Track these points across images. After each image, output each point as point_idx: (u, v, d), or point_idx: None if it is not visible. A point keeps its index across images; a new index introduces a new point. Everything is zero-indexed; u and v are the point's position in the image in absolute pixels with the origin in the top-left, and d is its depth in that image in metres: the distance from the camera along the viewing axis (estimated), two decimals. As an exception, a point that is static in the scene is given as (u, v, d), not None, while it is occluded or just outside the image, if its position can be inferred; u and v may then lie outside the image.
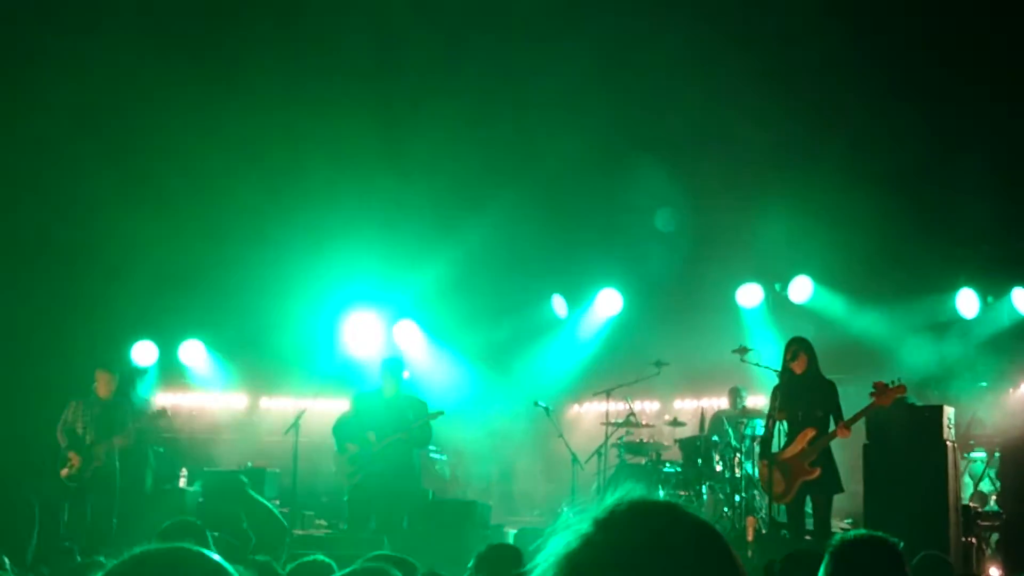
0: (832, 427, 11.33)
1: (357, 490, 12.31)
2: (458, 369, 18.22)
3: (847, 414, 11.41)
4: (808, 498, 11.63)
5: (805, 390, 11.42)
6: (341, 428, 12.63)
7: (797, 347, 11.51)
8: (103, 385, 13.66)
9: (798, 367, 11.46)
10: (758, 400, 15.43)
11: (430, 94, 16.27)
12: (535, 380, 17.90)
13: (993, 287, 15.49)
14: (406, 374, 12.85)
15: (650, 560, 1.88)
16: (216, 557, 2.14)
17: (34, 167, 16.05)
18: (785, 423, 11.62)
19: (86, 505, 13.04)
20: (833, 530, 11.61)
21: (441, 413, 12.55)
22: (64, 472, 13.22)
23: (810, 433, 11.29)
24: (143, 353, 17.63)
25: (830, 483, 11.33)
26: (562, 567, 1.91)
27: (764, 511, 13.28)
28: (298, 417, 13.11)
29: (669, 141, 15.92)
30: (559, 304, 17.93)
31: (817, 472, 11.21)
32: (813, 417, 11.35)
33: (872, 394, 11.25)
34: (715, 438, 14.59)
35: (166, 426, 15.59)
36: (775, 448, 11.70)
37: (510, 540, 13.84)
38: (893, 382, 11.21)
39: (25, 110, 15.39)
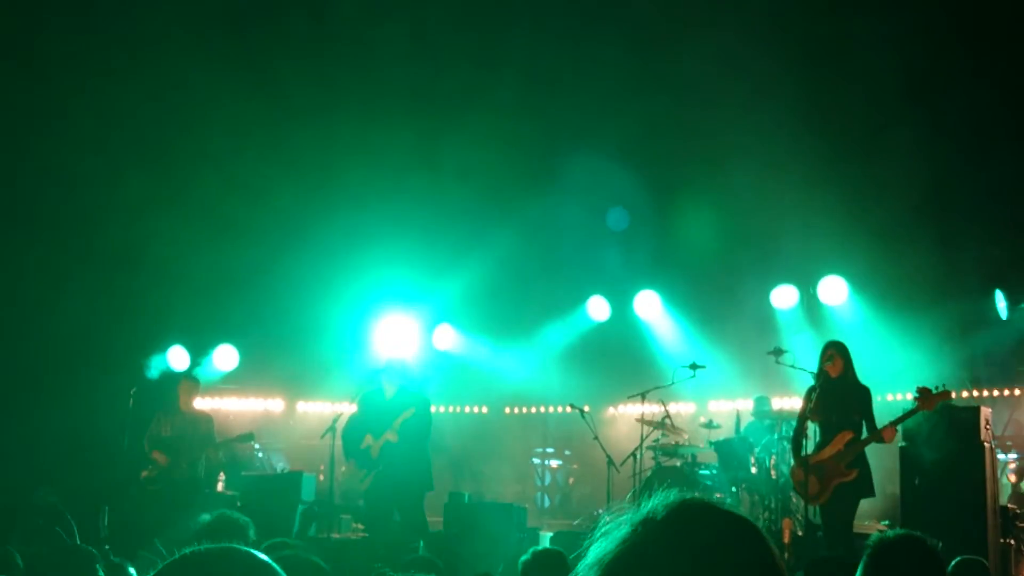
0: (865, 432, 11.28)
1: (369, 493, 12.38)
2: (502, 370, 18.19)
3: (880, 418, 11.38)
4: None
5: (840, 394, 11.33)
6: (347, 431, 12.68)
7: (833, 351, 11.42)
8: (185, 394, 13.88)
9: (833, 370, 11.36)
10: (794, 402, 15.38)
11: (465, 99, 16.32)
12: (572, 382, 17.90)
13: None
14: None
15: (691, 559, 1.89)
16: (264, 557, 2.17)
17: (74, 172, 16.18)
18: (819, 425, 11.55)
19: (162, 508, 13.11)
20: (868, 532, 11.57)
21: (411, 411, 12.40)
22: (145, 474, 13.39)
23: (848, 436, 11.21)
24: (177, 358, 17.75)
25: (864, 486, 11.27)
26: (604, 570, 1.92)
27: (800, 513, 13.24)
28: (335, 420, 13.15)
29: (705, 145, 15.89)
30: (596, 306, 17.93)
31: (854, 474, 11.13)
32: (849, 420, 11.25)
33: (917, 399, 11.19)
34: (750, 440, 14.56)
35: (244, 448, 15.81)
36: (806, 451, 11.65)
37: (546, 543, 13.88)
38: (937, 387, 11.13)
39: (67, 117, 15.56)
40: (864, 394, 11.40)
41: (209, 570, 2.10)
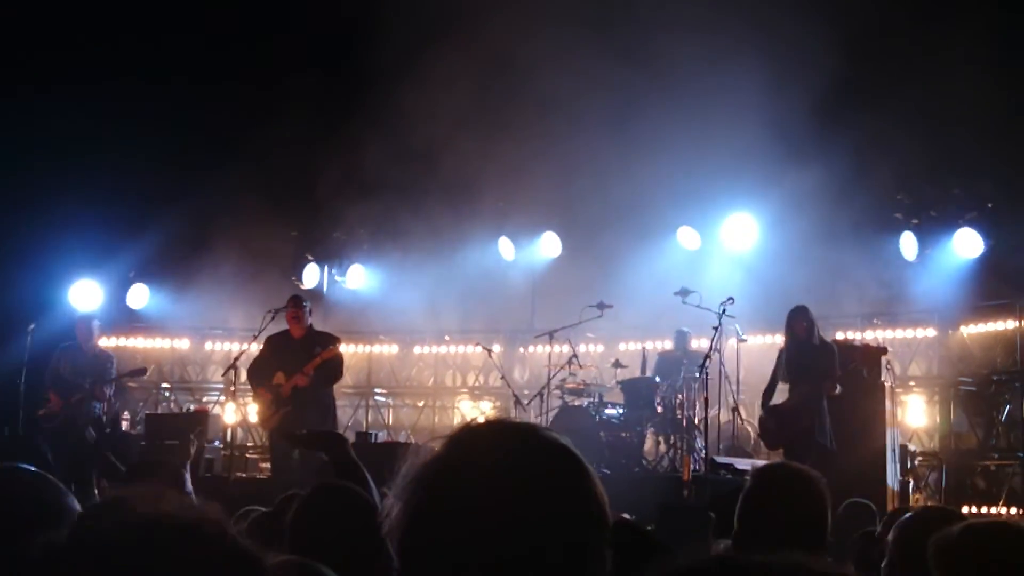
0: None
1: (275, 434, 12.22)
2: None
3: None
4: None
5: (807, 353, 12.07)
6: (253, 371, 12.47)
7: (802, 314, 12.15)
8: (83, 333, 13.70)
9: (802, 332, 12.09)
10: (701, 342, 15.44)
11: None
12: (482, 321, 17.86)
13: (935, 229, 15.51)
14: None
15: (497, 477, 1.89)
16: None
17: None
18: (789, 382, 12.27)
19: (60, 446, 12.97)
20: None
21: (333, 350, 12.14)
22: (41, 413, 13.31)
23: (808, 390, 11.94)
24: (81, 295, 17.46)
25: (818, 438, 11.66)
26: (411, 481, 1.93)
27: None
28: (237, 359, 13.03)
29: (617, 84, 15.78)
30: (506, 246, 17.79)
31: (808, 424, 11.76)
32: (814, 377, 11.95)
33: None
34: (657, 379, 14.63)
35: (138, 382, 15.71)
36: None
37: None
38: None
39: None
40: (829, 353, 12.18)
41: None
